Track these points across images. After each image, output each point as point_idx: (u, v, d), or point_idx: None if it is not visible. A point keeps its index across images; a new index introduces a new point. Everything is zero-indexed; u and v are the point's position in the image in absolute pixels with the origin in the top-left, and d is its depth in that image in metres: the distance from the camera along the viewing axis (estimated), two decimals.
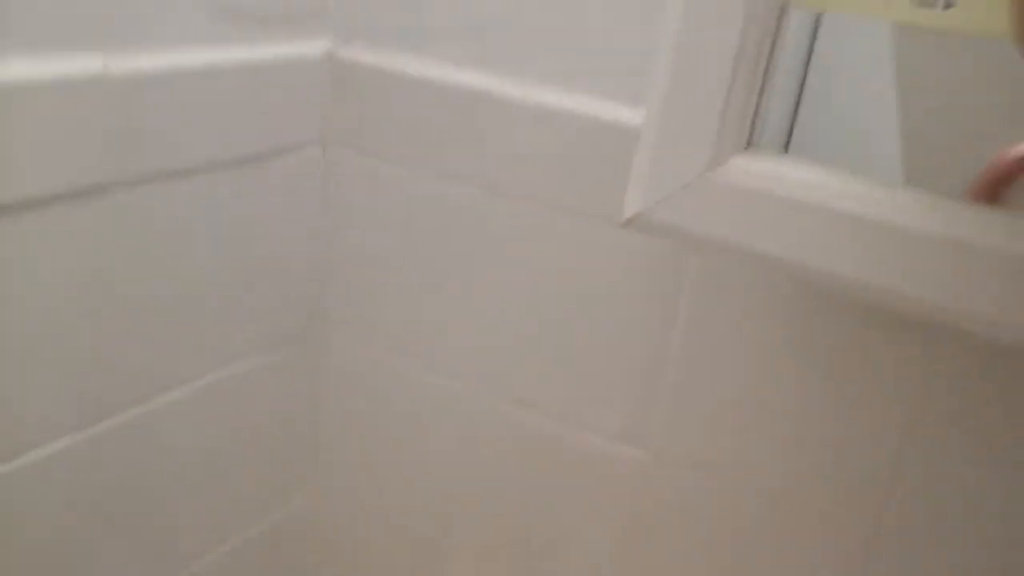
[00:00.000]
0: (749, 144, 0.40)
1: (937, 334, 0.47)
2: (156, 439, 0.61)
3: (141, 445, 0.60)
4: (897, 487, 0.50)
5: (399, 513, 0.71)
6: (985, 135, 0.41)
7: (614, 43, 0.54)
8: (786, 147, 0.44)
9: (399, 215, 0.65)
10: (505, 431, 0.64)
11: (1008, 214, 0.35)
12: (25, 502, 0.53)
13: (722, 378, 0.55)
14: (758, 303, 0.52)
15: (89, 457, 0.57)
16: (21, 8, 0.45)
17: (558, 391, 0.61)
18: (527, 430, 0.63)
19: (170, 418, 0.62)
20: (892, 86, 0.42)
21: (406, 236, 0.65)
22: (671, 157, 0.41)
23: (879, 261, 0.36)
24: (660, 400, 0.57)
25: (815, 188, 0.38)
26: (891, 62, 0.42)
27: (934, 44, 0.40)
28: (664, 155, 0.41)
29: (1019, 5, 0.31)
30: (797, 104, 0.44)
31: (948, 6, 0.35)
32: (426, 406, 0.67)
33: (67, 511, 0.57)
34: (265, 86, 0.61)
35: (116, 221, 0.53)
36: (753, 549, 0.56)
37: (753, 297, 0.52)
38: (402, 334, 0.67)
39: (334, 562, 0.76)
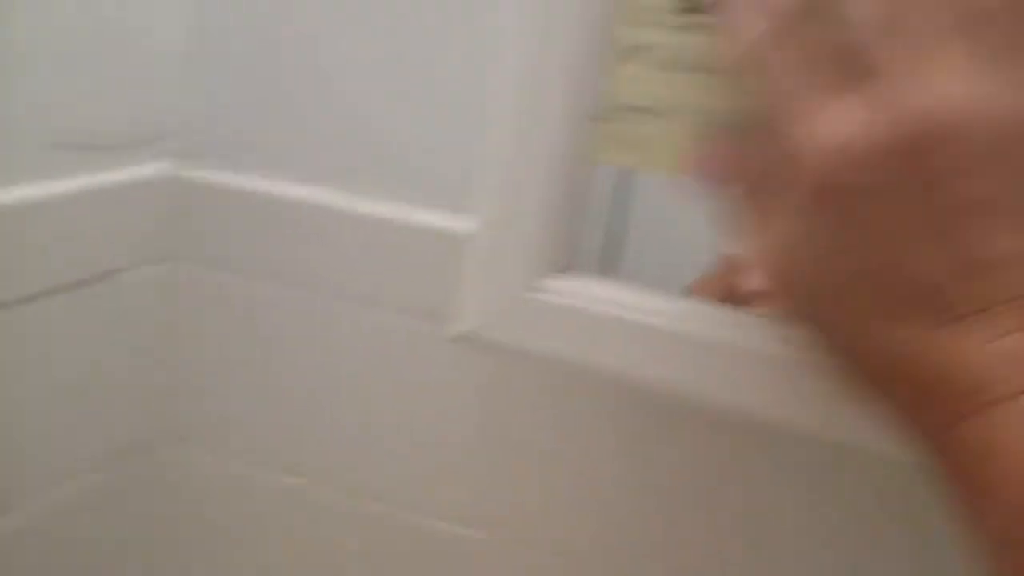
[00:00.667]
0: (567, 266, 0.43)
1: (724, 427, 0.53)
2: None
3: None
4: None
5: None
6: None
7: (441, 159, 0.58)
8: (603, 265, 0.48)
9: (243, 324, 0.66)
10: (352, 523, 0.65)
11: (770, 319, 0.38)
12: None
13: (544, 468, 0.59)
14: (578, 406, 0.57)
15: None
16: None
17: (399, 482, 0.64)
18: (372, 520, 0.65)
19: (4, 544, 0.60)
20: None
21: (250, 344, 0.66)
22: (495, 278, 0.44)
23: (683, 369, 0.40)
24: (495, 488, 0.61)
25: (625, 306, 0.41)
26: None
27: None
28: (488, 276, 0.44)
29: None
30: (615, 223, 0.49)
31: None
32: (274, 507, 0.68)
33: None
34: (109, 209, 0.61)
35: None
36: None
37: (574, 401, 0.57)
38: (250, 440, 0.68)
39: None
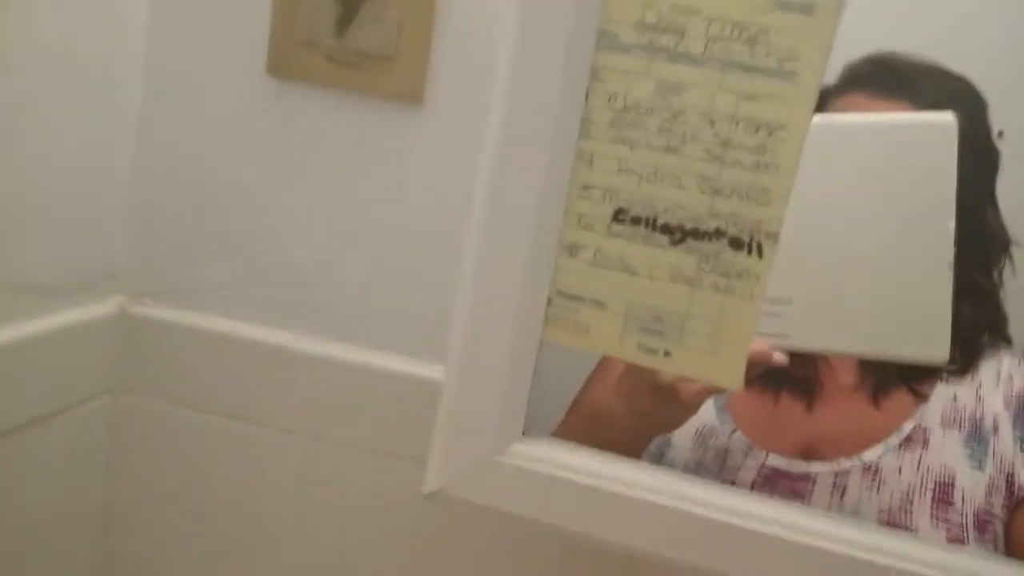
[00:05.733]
0: (524, 431, 0.51)
1: None
2: None
3: None
4: None
5: None
6: None
7: (404, 307, 0.62)
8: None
9: (191, 460, 0.68)
10: None
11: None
12: None
13: None
14: (539, 561, 0.60)
15: None
16: None
17: None
18: None
19: None
20: None
21: (198, 479, 0.68)
22: (462, 443, 0.51)
23: (630, 526, 0.48)
24: None
25: (577, 470, 0.49)
26: None
27: None
28: (456, 441, 0.51)
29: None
30: None
31: (667, 354, 0.48)
32: None
33: None
34: (56, 350, 0.63)
35: None
36: None
37: (535, 555, 0.60)
38: None
39: None
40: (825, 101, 0.75)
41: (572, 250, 0.50)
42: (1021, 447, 0.72)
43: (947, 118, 0.57)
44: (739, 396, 0.77)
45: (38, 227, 0.61)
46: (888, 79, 0.75)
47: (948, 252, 0.56)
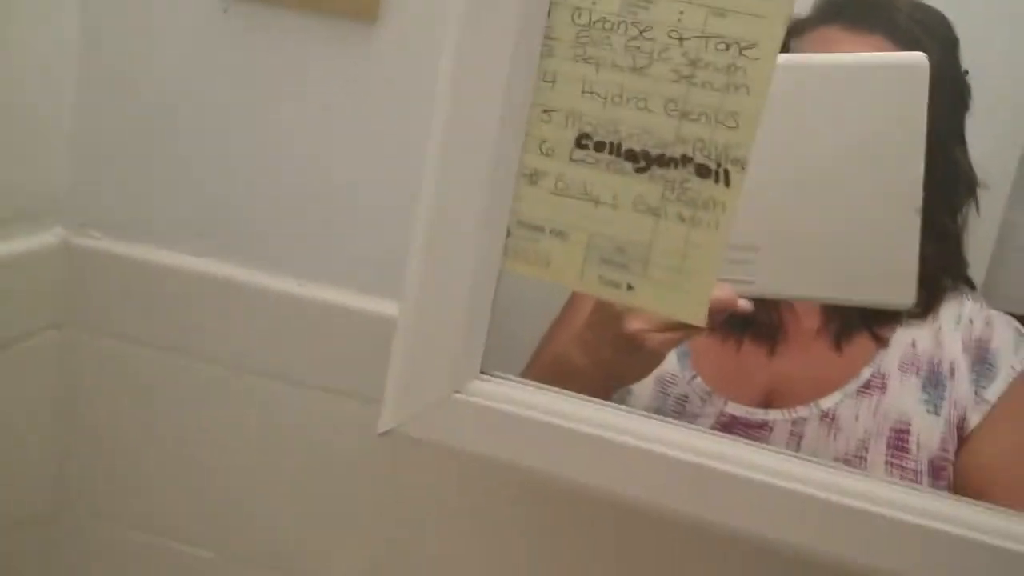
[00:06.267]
0: (482, 369, 0.49)
1: (628, 522, 0.57)
2: None
3: None
4: None
5: None
6: None
7: (360, 241, 0.60)
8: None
9: (142, 394, 0.66)
10: None
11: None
12: None
13: (464, 556, 0.62)
14: (494, 499, 0.60)
15: None
16: None
17: (297, 555, 0.66)
18: None
19: None
20: None
21: (149, 415, 0.66)
22: (419, 381, 0.48)
23: (588, 464, 0.46)
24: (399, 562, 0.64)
25: (535, 407, 0.47)
26: None
27: None
28: (412, 379, 0.49)
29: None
30: None
31: (630, 288, 0.46)
32: None
33: None
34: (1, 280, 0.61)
35: None
36: None
37: (490, 493, 0.60)
38: (149, 510, 0.68)
39: None
40: (800, 32, 0.73)
41: (533, 177, 0.47)
42: (975, 391, 0.71)
43: (918, 59, 0.55)
44: (701, 343, 0.75)
45: None
46: (864, 11, 0.73)
47: (917, 197, 0.55)
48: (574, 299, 0.77)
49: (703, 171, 0.44)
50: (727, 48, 0.43)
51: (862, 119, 0.57)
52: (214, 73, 0.61)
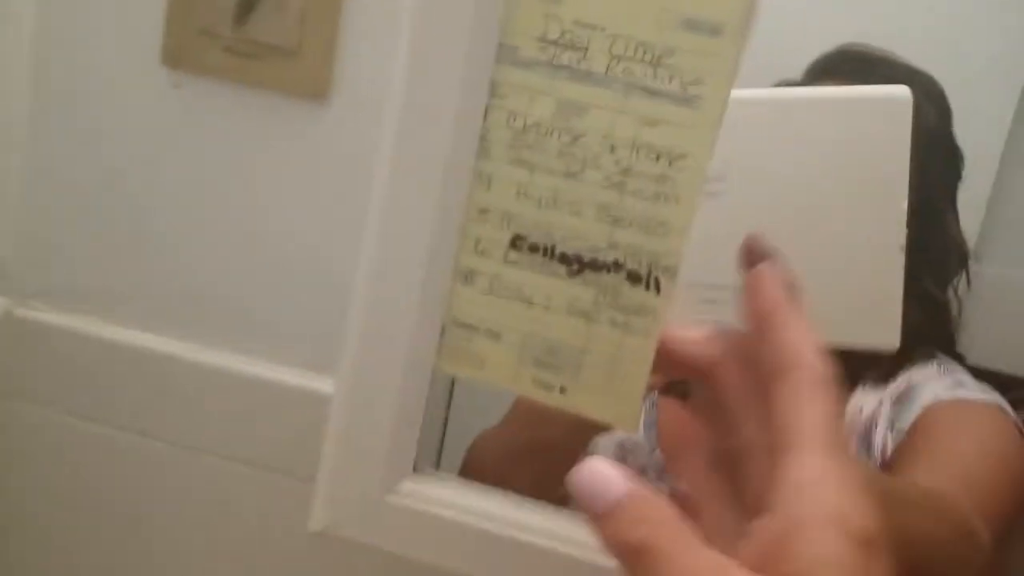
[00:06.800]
0: (417, 467, 0.48)
1: None
2: None
3: None
4: None
5: None
6: None
7: (299, 317, 0.60)
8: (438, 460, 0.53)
9: (78, 470, 0.65)
10: None
11: None
12: None
13: None
14: None
15: None
16: None
17: None
18: None
19: None
20: None
21: (84, 491, 0.66)
22: (350, 480, 0.48)
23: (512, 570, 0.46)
24: None
25: (470, 511, 0.47)
26: None
27: None
28: (343, 478, 0.48)
29: None
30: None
31: (563, 390, 0.46)
32: None
33: None
34: None
35: None
36: None
37: None
38: None
39: None
40: None
41: (468, 277, 0.47)
42: (892, 426, 0.71)
43: (902, 92, 0.54)
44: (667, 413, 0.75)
45: None
46: (856, 67, 0.73)
47: (900, 234, 0.54)
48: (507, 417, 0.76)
49: (634, 278, 0.43)
50: (658, 158, 0.42)
51: (844, 153, 0.56)
52: (163, 146, 0.61)
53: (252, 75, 0.61)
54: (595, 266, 0.44)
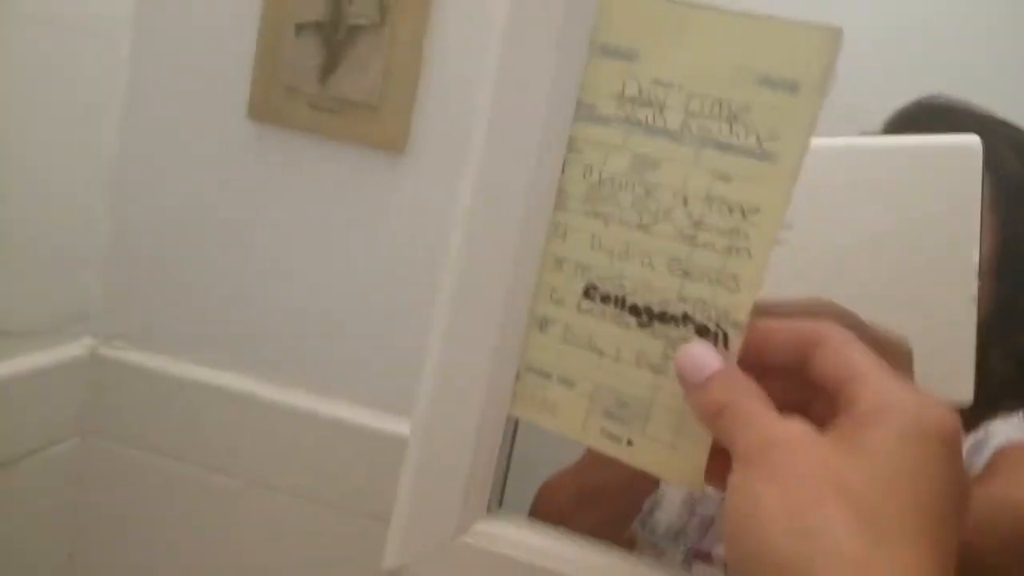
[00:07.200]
0: (489, 508, 0.49)
1: None
2: None
3: None
4: None
5: None
6: None
7: (376, 360, 0.62)
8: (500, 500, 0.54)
9: (159, 505, 0.68)
10: None
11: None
12: None
13: None
14: None
15: None
16: None
17: None
18: None
19: None
20: None
21: (165, 525, 0.68)
22: (424, 520, 0.49)
23: None
24: None
25: (543, 553, 0.48)
26: None
27: None
28: (417, 517, 0.49)
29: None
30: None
31: (630, 443, 0.47)
32: None
33: None
34: (26, 392, 0.63)
35: None
36: None
37: None
38: None
39: None
40: None
41: (543, 324, 0.48)
42: None
43: (972, 140, 0.54)
44: None
45: (11, 268, 0.61)
46: (936, 121, 0.72)
47: (971, 285, 0.53)
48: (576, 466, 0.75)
49: (703, 331, 0.44)
50: (731, 212, 0.43)
51: (913, 203, 0.56)
52: (242, 194, 0.65)
53: (334, 129, 0.64)
54: (664, 318, 0.45)
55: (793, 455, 0.36)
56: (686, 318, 0.45)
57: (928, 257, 0.56)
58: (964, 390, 0.55)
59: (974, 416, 0.72)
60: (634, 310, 0.46)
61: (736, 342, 0.43)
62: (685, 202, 0.45)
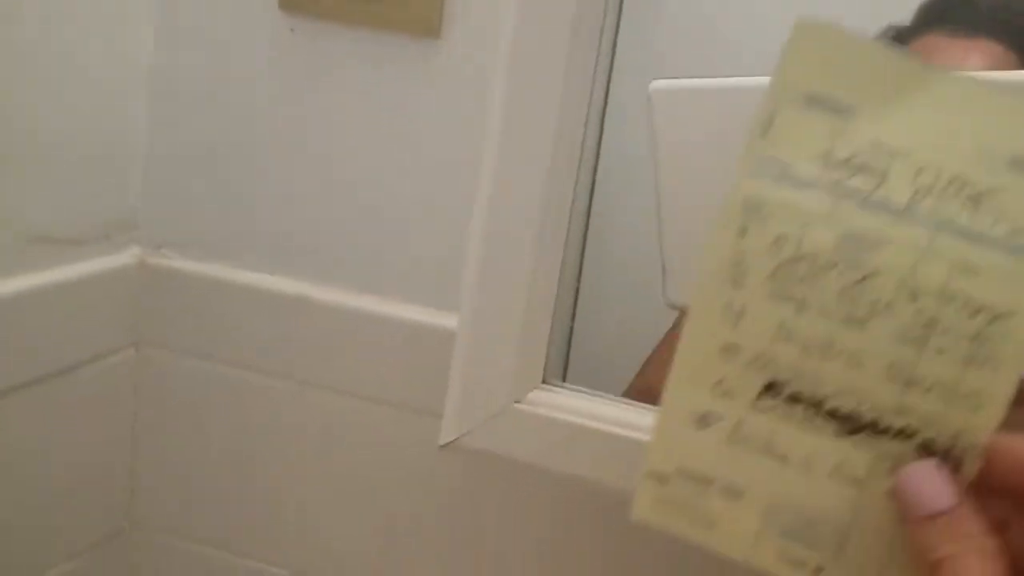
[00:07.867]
0: (545, 379, 0.49)
1: None
2: None
3: None
4: None
5: None
6: None
7: (423, 254, 0.59)
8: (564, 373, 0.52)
9: (215, 412, 0.66)
10: None
11: None
12: None
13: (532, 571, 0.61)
14: (557, 512, 0.57)
15: None
16: None
17: (372, 570, 0.65)
18: None
19: None
20: None
21: (221, 432, 0.66)
22: (479, 391, 0.48)
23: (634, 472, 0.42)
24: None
25: (597, 417, 0.47)
26: None
27: None
28: (472, 390, 0.49)
29: None
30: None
31: (819, 570, 0.39)
32: None
33: None
34: (76, 301, 0.61)
35: None
36: None
37: (553, 506, 0.57)
38: (221, 528, 0.68)
39: None
40: (902, 43, 0.70)
41: (703, 420, 0.40)
42: None
43: None
44: None
45: (54, 176, 0.59)
46: (969, 14, 0.69)
47: None
48: (670, 336, 0.74)
49: (929, 451, 0.37)
50: (974, 314, 0.36)
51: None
52: (281, 93, 0.61)
53: (366, 16, 0.59)
54: (876, 429, 0.38)
55: None
56: (906, 433, 0.37)
57: None
58: None
59: None
60: (833, 415, 0.38)
61: (971, 469, 0.37)
62: (914, 296, 0.37)
